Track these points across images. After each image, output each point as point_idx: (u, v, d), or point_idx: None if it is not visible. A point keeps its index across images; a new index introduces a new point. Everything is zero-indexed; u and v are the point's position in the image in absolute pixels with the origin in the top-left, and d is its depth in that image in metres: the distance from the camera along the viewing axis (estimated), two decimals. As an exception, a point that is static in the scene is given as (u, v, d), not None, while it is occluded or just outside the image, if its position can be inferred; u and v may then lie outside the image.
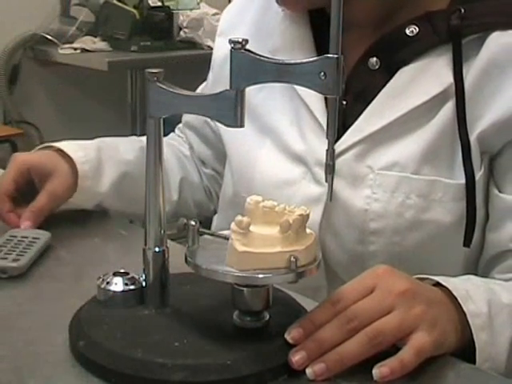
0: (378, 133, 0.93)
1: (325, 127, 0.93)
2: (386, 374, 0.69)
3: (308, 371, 0.70)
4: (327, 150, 0.70)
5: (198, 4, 3.13)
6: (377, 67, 0.95)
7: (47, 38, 2.98)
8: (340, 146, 0.94)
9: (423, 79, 0.92)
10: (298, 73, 0.67)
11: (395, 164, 0.92)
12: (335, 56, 0.65)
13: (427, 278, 0.81)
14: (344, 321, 0.71)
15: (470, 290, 0.79)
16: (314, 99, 0.97)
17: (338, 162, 0.93)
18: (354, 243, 0.94)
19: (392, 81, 0.93)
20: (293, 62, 0.68)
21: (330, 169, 0.71)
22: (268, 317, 0.74)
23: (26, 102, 3.15)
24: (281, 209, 0.73)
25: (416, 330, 0.72)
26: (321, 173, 0.94)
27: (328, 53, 0.94)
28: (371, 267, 0.78)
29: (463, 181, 0.90)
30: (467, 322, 0.77)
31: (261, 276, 0.69)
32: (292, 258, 0.69)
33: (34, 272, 0.92)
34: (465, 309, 0.77)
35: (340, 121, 0.93)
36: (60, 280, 0.90)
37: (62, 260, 0.96)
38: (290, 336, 0.71)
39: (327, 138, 0.69)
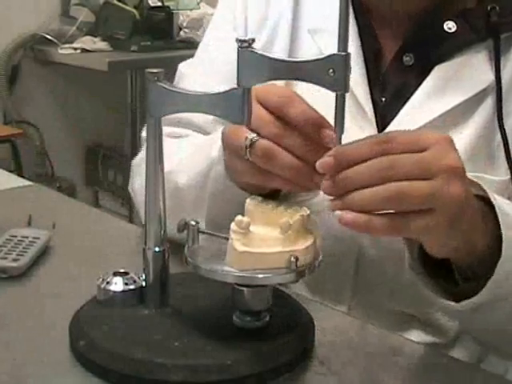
0: (419, 130, 0.91)
1: (372, 118, 0.94)
2: (347, 220, 0.66)
3: (327, 203, 0.68)
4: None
5: (198, 4, 3.13)
6: (411, 63, 0.94)
7: (47, 38, 2.99)
8: None
9: (463, 76, 0.93)
10: (307, 70, 0.67)
11: None
12: (343, 53, 0.65)
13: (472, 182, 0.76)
14: (380, 166, 0.66)
15: (500, 199, 0.77)
16: (358, 83, 0.94)
17: None
18: (392, 239, 0.91)
19: (430, 77, 0.93)
20: (301, 59, 0.68)
21: None
22: (268, 317, 0.74)
23: (26, 101, 3.15)
24: (281, 209, 0.73)
25: (440, 209, 0.67)
26: None
27: (368, 39, 0.96)
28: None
29: (504, 177, 0.91)
30: (496, 220, 0.73)
31: (261, 276, 0.69)
32: (292, 258, 0.69)
33: (33, 272, 0.92)
34: (494, 203, 0.74)
35: (380, 117, 0.94)
36: (60, 280, 0.90)
37: (62, 260, 0.96)
38: (319, 163, 0.67)
39: (334, 133, 0.69)
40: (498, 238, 0.73)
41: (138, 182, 1.04)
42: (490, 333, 0.84)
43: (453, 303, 0.76)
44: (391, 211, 0.67)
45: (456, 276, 0.77)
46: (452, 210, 0.67)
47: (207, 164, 0.87)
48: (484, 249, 0.74)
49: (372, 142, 0.68)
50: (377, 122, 0.94)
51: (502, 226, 0.73)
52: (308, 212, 0.72)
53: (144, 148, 1.06)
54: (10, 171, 1.74)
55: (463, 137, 0.92)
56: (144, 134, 1.10)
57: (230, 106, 0.69)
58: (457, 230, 0.69)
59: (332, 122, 0.69)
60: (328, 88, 0.67)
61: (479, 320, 0.79)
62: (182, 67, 1.09)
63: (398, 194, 0.65)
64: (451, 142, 0.70)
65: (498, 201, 0.75)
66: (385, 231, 0.67)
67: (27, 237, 0.97)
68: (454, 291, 0.77)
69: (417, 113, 0.93)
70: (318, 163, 0.67)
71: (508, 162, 0.91)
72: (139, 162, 1.05)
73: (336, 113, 0.69)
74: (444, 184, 0.66)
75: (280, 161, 0.71)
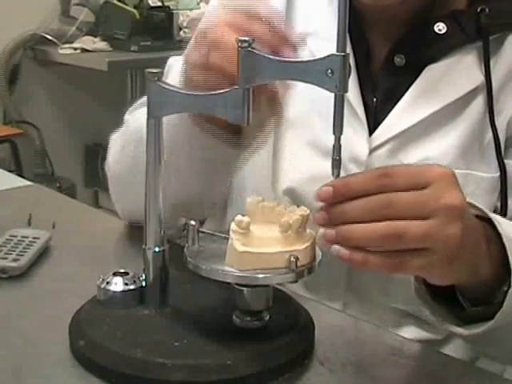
0: (410, 129, 0.94)
1: (363, 119, 0.95)
2: (343, 255, 0.66)
3: (320, 231, 0.67)
4: (334, 146, 0.69)
5: (198, 4, 3.14)
6: (402, 64, 0.96)
7: (47, 38, 2.99)
8: (373, 142, 0.95)
9: (453, 76, 0.94)
10: (305, 70, 0.67)
11: (428, 159, 0.93)
12: (342, 54, 0.65)
13: (473, 206, 0.76)
14: (378, 204, 0.65)
15: (503, 222, 0.76)
16: (350, 85, 0.95)
17: (371, 157, 0.94)
18: None
19: (420, 78, 0.95)
20: (299, 60, 0.68)
21: (337, 164, 0.70)
22: (268, 317, 0.74)
23: (26, 101, 3.15)
24: (281, 209, 0.73)
25: (436, 249, 0.66)
26: (356, 171, 0.93)
27: (358, 41, 0.96)
28: None
29: (494, 174, 0.93)
30: (503, 246, 0.72)
31: (261, 276, 0.69)
32: (292, 258, 0.69)
33: (33, 272, 0.92)
34: (500, 231, 0.73)
35: (372, 117, 0.96)
36: (60, 280, 0.90)
37: (62, 260, 0.96)
38: (317, 193, 0.66)
39: (334, 133, 0.69)
40: (505, 262, 0.73)
41: (111, 157, 1.04)
42: (503, 351, 0.84)
43: (460, 329, 0.75)
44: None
45: (461, 300, 0.76)
46: (448, 250, 0.66)
47: None
48: (488, 272, 0.73)
49: (372, 175, 0.67)
50: (368, 122, 0.95)
51: (509, 255, 0.72)
52: (308, 212, 0.72)
53: (123, 126, 1.04)
54: (10, 171, 1.74)
55: (454, 134, 0.94)
56: (127, 116, 1.08)
57: (230, 105, 0.69)
58: (455, 266, 0.68)
59: (330, 121, 0.69)
60: (326, 89, 0.67)
61: (491, 341, 0.78)
62: (171, 60, 1.09)
63: (395, 233, 0.64)
64: (453, 177, 0.68)
65: (504, 226, 0.74)
66: (380, 269, 0.67)
67: (27, 237, 0.97)
68: (461, 315, 0.76)
69: (408, 112, 0.95)
70: (316, 193, 0.67)
71: (498, 160, 0.93)
72: (115, 137, 1.05)
73: (334, 113, 0.69)
74: (441, 224, 0.65)
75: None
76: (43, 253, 0.96)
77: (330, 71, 0.66)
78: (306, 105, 0.97)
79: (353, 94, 0.95)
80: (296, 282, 0.71)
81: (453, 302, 0.77)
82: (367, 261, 0.66)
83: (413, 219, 0.65)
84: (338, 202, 0.67)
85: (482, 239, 0.72)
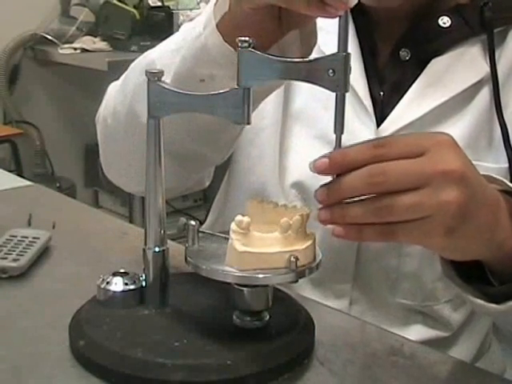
0: (417, 121, 0.95)
1: (371, 111, 0.96)
2: (339, 233, 0.65)
3: (313, 212, 0.66)
4: (335, 148, 0.69)
5: (198, 4, 3.13)
6: (407, 58, 0.96)
7: (47, 38, 2.99)
8: (380, 134, 0.95)
9: (458, 69, 0.95)
10: (306, 70, 0.67)
11: None
12: (343, 53, 0.66)
13: (495, 180, 0.73)
14: (370, 172, 0.63)
15: None
16: (357, 78, 0.96)
17: None
18: None
19: (426, 71, 0.96)
20: (301, 59, 0.68)
21: None
22: (268, 317, 0.74)
23: (26, 101, 3.15)
24: (281, 209, 0.73)
25: (431, 218, 0.62)
26: None
27: (365, 36, 0.97)
28: (407, 253, 0.77)
29: (503, 165, 0.93)
30: None
31: (261, 276, 0.69)
32: (292, 258, 0.69)
33: (33, 272, 0.92)
34: None
35: (379, 110, 0.96)
36: (60, 280, 0.90)
37: (62, 260, 0.96)
38: (314, 163, 0.65)
39: (335, 132, 0.69)
40: None
41: (106, 97, 0.99)
42: None
43: (490, 305, 0.71)
44: None
45: (489, 277, 0.73)
46: (445, 216, 0.63)
47: (185, 41, 0.86)
48: None
49: (368, 145, 0.65)
50: (375, 115, 0.96)
51: None
52: (308, 211, 0.71)
53: (121, 77, 0.98)
54: (10, 171, 1.74)
55: (461, 125, 0.94)
56: (132, 64, 0.99)
57: (230, 105, 0.69)
58: (457, 237, 0.65)
59: (332, 117, 0.68)
60: (328, 88, 0.67)
61: None
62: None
63: (386, 207, 0.63)
64: (453, 144, 0.65)
65: None
66: (377, 239, 0.66)
67: (27, 237, 0.97)
68: (490, 292, 0.73)
69: (414, 105, 0.95)
70: (313, 163, 0.66)
71: (506, 150, 0.93)
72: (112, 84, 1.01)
73: (336, 112, 0.69)
74: (435, 191, 0.62)
75: None
76: (43, 253, 0.96)
77: (331, 71, 0.66)
78: (312, 98, 0.98)
79: (361, 88, 0.96)
80: (296, 282, 0.71)
81: (482, 279, 0.73)
82: (362, 234, 0.65)
83: (407, 187, 0.62)
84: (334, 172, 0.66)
85: (503, 214, 0.68)
